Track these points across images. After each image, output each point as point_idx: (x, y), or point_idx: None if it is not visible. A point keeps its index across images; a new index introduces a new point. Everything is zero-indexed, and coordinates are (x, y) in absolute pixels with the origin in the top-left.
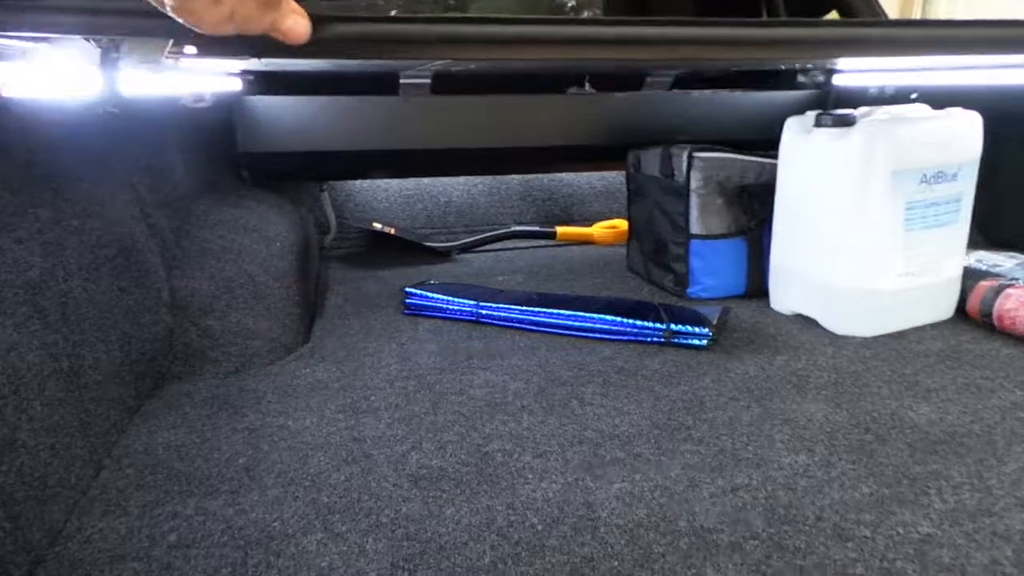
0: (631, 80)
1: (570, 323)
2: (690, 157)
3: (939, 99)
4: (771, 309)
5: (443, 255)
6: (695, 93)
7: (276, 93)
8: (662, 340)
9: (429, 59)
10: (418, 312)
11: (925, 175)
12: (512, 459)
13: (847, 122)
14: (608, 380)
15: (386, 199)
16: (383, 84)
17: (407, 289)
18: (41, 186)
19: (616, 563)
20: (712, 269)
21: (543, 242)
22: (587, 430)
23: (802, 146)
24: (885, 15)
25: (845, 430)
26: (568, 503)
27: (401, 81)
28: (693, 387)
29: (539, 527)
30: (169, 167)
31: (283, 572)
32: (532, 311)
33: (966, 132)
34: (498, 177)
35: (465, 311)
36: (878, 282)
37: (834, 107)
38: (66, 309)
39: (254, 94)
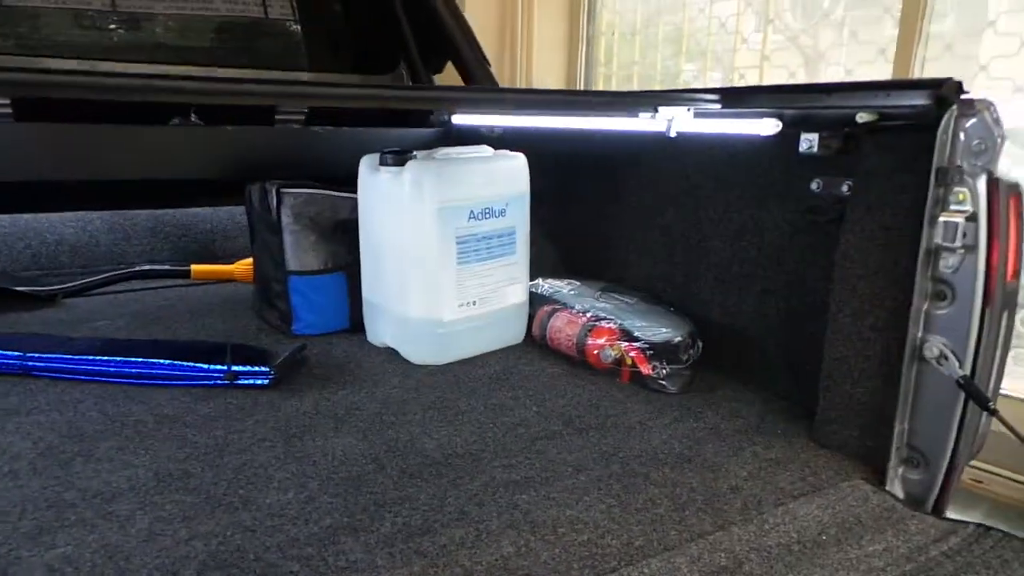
0: (262, 113)
1: (129, 370)
2: (279, 193)
3: (525, 139)
4: (368, 342)
5: (45, 300)
6: (326, 129)
7: None
8: (226, 382)
9: None
10: None
11: (472, 211)
12: None
13: (401, 161)
14: (140, 430)
15: None
16: None
17: None
18: None
19: None
20: (312, 305)
21: (179, 281)
22: (70, 490)
23: (372, 183)
24: (488, 64)
25: (361, 461)
26: None
27: None
28: (228, 431)
29: None
30: None
31: None
32: (88, 360)
33: (511, 171)
34: (122, 212)
35: (11, 363)
36: (440, 313)
37: (455, 143)
38: None
39: None
